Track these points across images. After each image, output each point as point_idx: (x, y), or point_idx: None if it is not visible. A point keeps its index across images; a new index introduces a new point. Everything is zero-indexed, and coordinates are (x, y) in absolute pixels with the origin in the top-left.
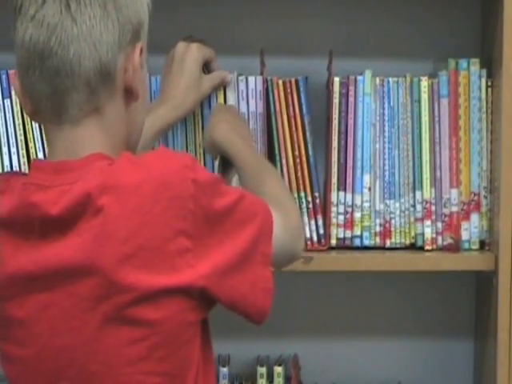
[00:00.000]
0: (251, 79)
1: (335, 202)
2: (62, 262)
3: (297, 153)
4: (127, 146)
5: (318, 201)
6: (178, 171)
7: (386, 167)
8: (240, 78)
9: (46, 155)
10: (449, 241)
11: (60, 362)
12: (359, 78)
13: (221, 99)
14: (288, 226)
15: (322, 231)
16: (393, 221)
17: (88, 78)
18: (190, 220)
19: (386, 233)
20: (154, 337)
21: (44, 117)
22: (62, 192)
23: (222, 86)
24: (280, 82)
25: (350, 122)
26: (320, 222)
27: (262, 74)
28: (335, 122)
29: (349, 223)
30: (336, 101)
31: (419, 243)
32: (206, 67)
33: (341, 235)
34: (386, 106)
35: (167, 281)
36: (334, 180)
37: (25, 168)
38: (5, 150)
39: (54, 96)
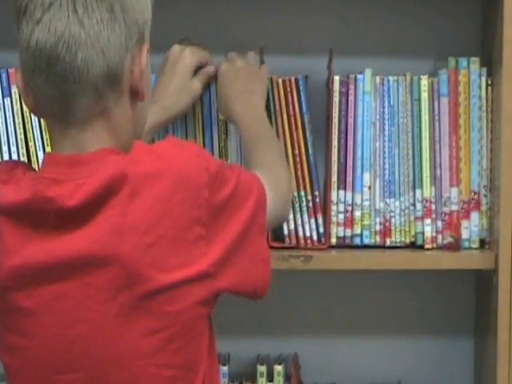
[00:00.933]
0: None
1: (335, 201)
2: (78, 253)
3: (297, 151)
4: (131, 140)
5: (317, 199)
6: (194, 160)
7: (386, 166)
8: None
9: (53, 151)
10: (449, 239)
11: (73, 352)
12: (359, 76)
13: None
14: (278, 193)
15: (321, 230)
16: (393, 219)
17: (95, 82)
18: (204, 208)
19: (386, 231)
20: (170, 328)
21: (50, 117)
22: (77, 186)
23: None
24: (280, 80)
25: (350, 120)
26: (320, 221)
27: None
28: (335, 120)
29: (349, 222)
30: (336, 99)
31: (419, 242)
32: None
33: (341, 234)
34: (386, 104)
35: (185, 271)
36: (334, 179)
37: None
38: (5, 148)
39: (60, 100)
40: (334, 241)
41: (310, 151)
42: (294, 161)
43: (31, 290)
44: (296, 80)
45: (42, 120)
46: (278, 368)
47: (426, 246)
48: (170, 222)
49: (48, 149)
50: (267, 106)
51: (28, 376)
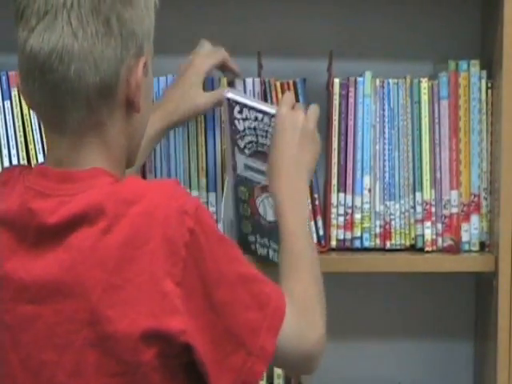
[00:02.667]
0: (249, 81)
1: (335, 204)
2: (49, 277)
3: None
4: (128, 153)
5: (317, 202)
6: (177, 215)
7: (386, 168)
8: (237, 79)
9: (46, 160)
10: (449, 242)
11: (43, 375)
12: (359, 79)
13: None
14: (303, 332)
15: (321, 233)
16: (393, 222)
17: (88, 94)
18: (179, 267)
19: (386, 234)
20: (129, 376)
21: (44, 124)
22: (61, 203)
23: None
24: (278, 83)
25: (350, 123)
26: (320, 224)
27: (259, 75)
28: (335, 123)
29: (349, 225)
30: (336, 102)
31: (419, 244)
32: (223, 70)
33: (341, 237)
34: (386, 107)
35: (151, 322)
36: (334, 181)
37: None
38: (5, 152)
39: (53, 109)
40: (333, 243)
41: None
42: None
43: (13, 305)
44: (294, 83)
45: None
46: (278, 370)
47: (426, 249)
48: (138, 268)
49: None
50: None
51: None
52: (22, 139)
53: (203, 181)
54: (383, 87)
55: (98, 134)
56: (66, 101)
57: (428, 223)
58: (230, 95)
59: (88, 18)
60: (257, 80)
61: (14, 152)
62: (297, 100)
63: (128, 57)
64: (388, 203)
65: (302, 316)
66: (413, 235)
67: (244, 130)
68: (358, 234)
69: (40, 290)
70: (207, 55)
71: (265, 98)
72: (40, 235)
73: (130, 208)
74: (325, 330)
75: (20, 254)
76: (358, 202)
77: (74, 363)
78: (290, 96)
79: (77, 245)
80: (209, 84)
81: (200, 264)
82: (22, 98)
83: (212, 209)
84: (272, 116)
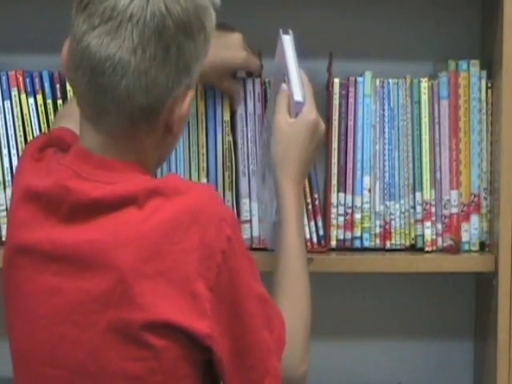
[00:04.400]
0: (249, 81)
1: (335, 204)
2: (79, 253)
3: None
4: (155, 167)
5: (317, 202)
6: (217, 221)
7: (386, 168)
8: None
9: (81, 141)
10: (449, 242)
11: (61, 349)
12: (359, 79)
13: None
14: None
15: (321, 232)
16: (393, 222)
17: (132, 110)
18: (213, 272)
19: (386, 234)
20: (153, 361)
21: (82, 110)
22: (97, 187)
23: None
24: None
25: (350, 123)
26: (320, 224)
27: (260, 75)
28: (335, 123)
29: (349, 224)
30: (336, 102)
31: (419, 244)
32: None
33: (341, 237)
34: (386, 107)
35: (178, 318)
36: (334, 181)
37: None
38: (5, 151)
39: (95, 107)
40: (333, 243)
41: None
42: None
43: (34, 275)
44: None
45: (41, 123)
46: None
47: (426, 249)
48: (172, 263)
49: None
50: (266, 108)
51: (18, 361)
52: (22, 139)
53: (204, 180)
54: (383, 87)
55: (134, 142)
56: (109, 106)
57: (428, 223)
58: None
59: (150, 39)
60: (257, 80)
61: (14, 152)
62: None
63: (178, 88)
64: (388, 203)
65: (292, 347)
66: (413, 235)
67: None
68: (358, 234)
69: (67, 264)
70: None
71: (265, 97)
72: (74, 212)
73: (170, 201)
74: (308, 364)
75: (47, 228)
76: (357, 202)
77: (96, 344)
78: (282, 100)
79: (113, 226)
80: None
81: (233, 273)
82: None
83: None
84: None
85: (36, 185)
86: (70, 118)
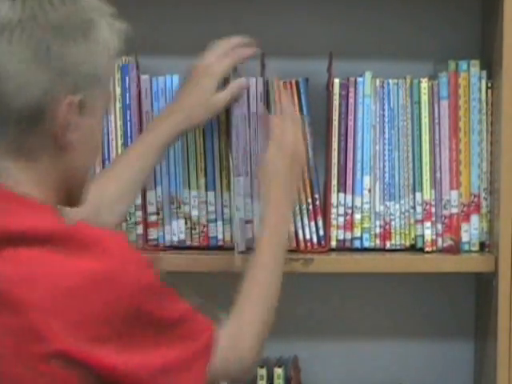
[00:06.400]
0: (251, 81)
1: (335, 204)
2: None
3: None
4: (67, 189)
5: (317, 202)
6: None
7: (386, 169)
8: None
9: None
10: (449, 242)
11: None
12: (359, 79)
13: None
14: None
15: (321, 233)
16: (393, 222)
17: (9, 116)
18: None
19: (386, 234)
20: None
21: None
22: None
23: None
24: (281, 83)
25: (350, 123)
26: (320, 224)
27: (262, 75)
28: (335, 123)
29: (349, 225)
30: (336, 102)
31: (419, 245)
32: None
33: (341, 237)
34: (386, 107)
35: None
36: (334, 182)
37: None
38: None
39: None
40: (333, 244)
41: (310, 154)
42: None
43: None
44: (297, 82)
45: None
46: (278, 371)
47: (426, 249)
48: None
49: None
50: (268, 108)
51: None
52: None
53: (202, 180)
54: (383, 87)
55: (25, 159)
56: None
57: (428, 223)
58: None
59: (22, 39)
60: (259, 79)
61: None
62: (299, 100)
63: (56, 91)
64: (388, 203)
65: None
66: (413, 235)
67: None
68: (358, 235)
69: None
70: (224, 54)
71: (267, 97)
72: None
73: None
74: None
75: None
76: (357, 202)
77: (15, 378)
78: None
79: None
80: None
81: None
82: None
83: (211, 208)
84: None
85: None
86: None
